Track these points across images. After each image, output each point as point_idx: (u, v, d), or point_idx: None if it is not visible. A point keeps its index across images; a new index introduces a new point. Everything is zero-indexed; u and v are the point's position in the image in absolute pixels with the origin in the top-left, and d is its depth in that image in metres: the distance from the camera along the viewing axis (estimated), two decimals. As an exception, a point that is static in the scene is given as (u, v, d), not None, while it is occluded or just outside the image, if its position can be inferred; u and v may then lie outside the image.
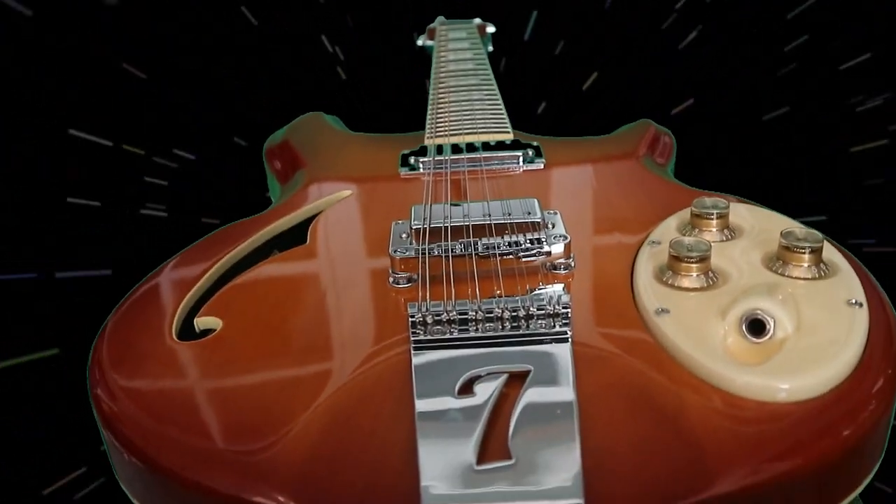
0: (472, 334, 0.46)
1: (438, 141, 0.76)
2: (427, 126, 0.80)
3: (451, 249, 0.55)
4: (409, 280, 0.54)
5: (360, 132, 0.89)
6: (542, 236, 0.55)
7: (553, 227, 0.58)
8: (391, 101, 1.19)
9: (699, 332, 0.47)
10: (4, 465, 0.70)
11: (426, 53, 1.07)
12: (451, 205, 0.61)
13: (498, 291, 0.51)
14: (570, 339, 0.46)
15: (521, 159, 0.74)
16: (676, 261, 0.51)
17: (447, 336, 0.46)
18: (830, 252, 0.53)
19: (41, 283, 0.90)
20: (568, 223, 0.58)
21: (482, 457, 0.39)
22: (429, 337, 0.46)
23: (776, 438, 0.41)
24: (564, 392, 0.42)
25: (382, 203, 0.69)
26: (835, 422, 0.42)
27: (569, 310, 0.46)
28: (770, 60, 1.12)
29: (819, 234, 0.52)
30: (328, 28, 1.22)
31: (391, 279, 0.55)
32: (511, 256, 0.55)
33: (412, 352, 0.46)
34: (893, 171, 0.98)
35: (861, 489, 0.44)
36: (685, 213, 0.58)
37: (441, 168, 0.72)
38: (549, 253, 0.55)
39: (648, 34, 1.18)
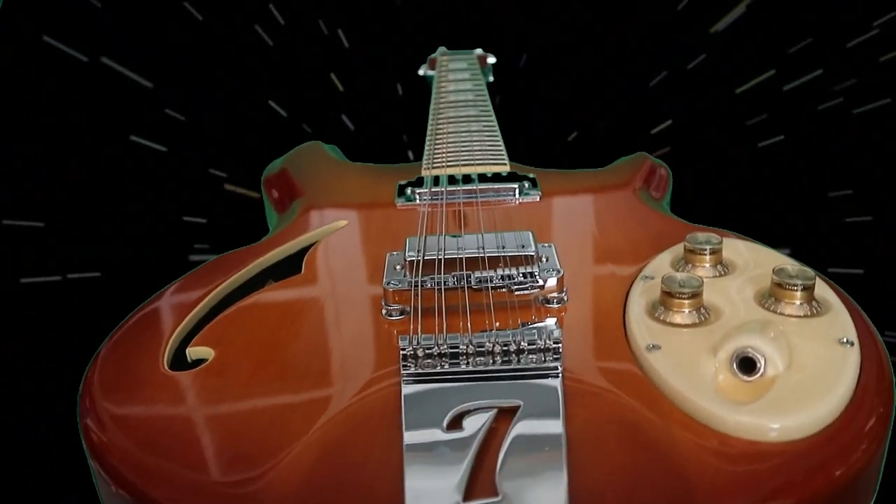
0: (463, 368, 0.46)
1: (435, 172, 0.76)
2: (425, 156, 0.80)
3: (444, 282, 0.55)
4: (402, 312, 0.54)
5: (358, 162, 0.90)
6: (536, 270, 0.55)
7: (547, 260, 0.58)
8: (390, 130, 1.20)
9: (690, 368, 0.46)
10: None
11: (427, 83, 1.08)
12: (445, 237, 0.61)
13: (491, 325, 0.51)
14: (560, 375, 0.46)
15: (517, 191, 0.74)
16: (668, 296, 0.51)
17: (438, 370, 0.46)
18: (823, 289, 0.53)
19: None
20: (562, 256, 0.58)
21: (469, 493, 0.38)
22: (419, 370, 0.46)
23: (767, 478, 0.41)
24: (553, 428, 0.42)
25: (378, 234, 0.69)
26: (826, 461, 0.42)
27: (560, 345, 0.46)
28: (772, 93, 1.12)
29: (811, 272, 0.52)
30: (329, 56, 1.23)
31: (384, 311, 0.55)
32: (504, 290, 0.55)
33: (402, 384, 0.46)
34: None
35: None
36: (679, 248, 0.58)
37: (437, 199, 0.72)
38: (542, 286, 0.55)
39: (650, 65, 1.19)
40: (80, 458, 0.48)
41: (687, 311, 0.50)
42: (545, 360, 0.46)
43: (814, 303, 0.51)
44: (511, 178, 0.75)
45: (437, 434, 0.42)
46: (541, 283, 0.55)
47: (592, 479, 0.40)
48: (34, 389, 0.79)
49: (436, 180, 0.75)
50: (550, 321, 0.52)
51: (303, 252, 0.66)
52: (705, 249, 0.56)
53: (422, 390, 0.45)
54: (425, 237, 0.60)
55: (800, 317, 0.50)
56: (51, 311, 0.89)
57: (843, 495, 0.42)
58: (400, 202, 0.74)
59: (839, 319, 0.50)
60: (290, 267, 0.64)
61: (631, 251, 0.62)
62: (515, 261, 0.57)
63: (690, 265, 0.56)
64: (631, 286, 0.56)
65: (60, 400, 0.57)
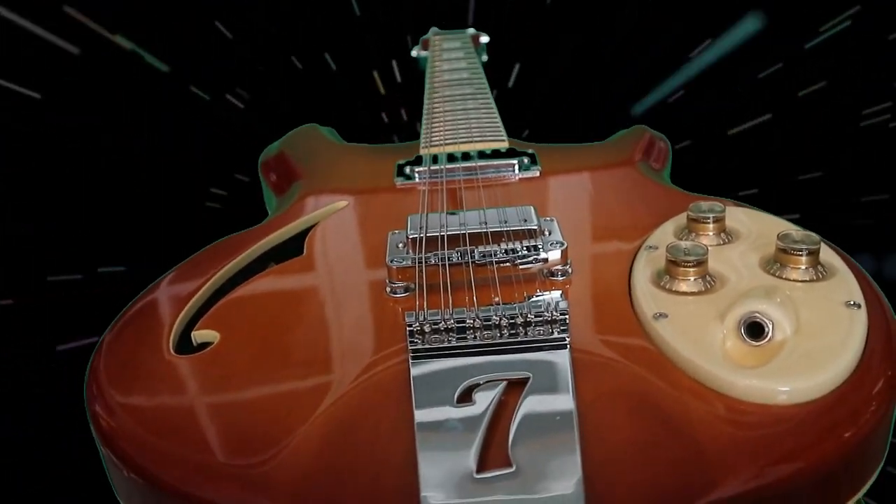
0: (471, 342, 0.46)
1: (434, 150, 0.76)
2: (422, 136, 0.80)
3: (448, 258, 0.55)
4: (407, 289, 0.54)
5: (355, 143, 0.89)
6: (539, 243, 0.55)
7: (550, 233, 0.58)
8: (386, 111, 1.20)
9: (698, 336, 0.46)
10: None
11: (422, 65, 1.07)
12: (447, 214, 0.61)
13: (496, 299, 0.51)
14: (568, 346, 0.46)
15: (516, 167, 0.74)
16: (674, 265, 0.51)
17: (445, 345, 0.46)
18: (827, 254, 0.53)
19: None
20: (564, 230, 0.58)
21: (482, 465, 0.38)
22: (427, 346, 0.46)
23: (778, 441, 0.41)
24: (564, 399, 0.42)
25: (378, 213, 0.69)
26: (837, 423, 0.42)
27: (566, 316, 0.46)
28: (765, 59, 1.12)
29: (816, 236, 0.52)
30: (323, 39, 1.22)
31: (388, 289, 0.55)
32: (508, 264, 0.55)
33: (410, 361, 0.45)
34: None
35: (865, 490, 0.44)
36: (682, 218, 0.58)
37: (437, 177, 0.72)
38: (546, 260, 0.55)
39: (646, 39, 1.19)
40: (91, 445, 0.48)
41: (693, 278, 0.50)
42: (552, 332, 0.46)
43: (819, 267, 0.51)
44: (510, 154, 0.75)
45: (447, 408, 0.42)
46: (544, 255, 0.55)
47: (605, 447, 0.40)
48: (40, 379, 0.79)
49: (434, 159, 0.74)
50: (556, 293, 0.52)
51: (304, 234, 0.66)
52: (709, 218, 0.56)
53: (430, 365, 0.45)
54: (427, 214, 0.60)
55: (805, 281, 0.50)
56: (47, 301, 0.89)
57: (853, 457, 0.42)
58: (399, 181, 0.73)
59: (845, 283, 0.50)
60: (291, 249, 0.64)
61: (633, 222, 0.62)
62: (518, 235, 0.57)
63: (694, 234, 0.56)
64: (635, 256, 0.56)
65: (67, 387, 0.57)
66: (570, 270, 0.55)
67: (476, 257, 0.54)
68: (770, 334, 0.46)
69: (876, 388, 0.44)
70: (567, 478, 0.37)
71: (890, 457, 0.46)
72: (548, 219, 0.60)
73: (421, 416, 0.41)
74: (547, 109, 1.19)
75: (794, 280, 0.50)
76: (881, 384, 0.44)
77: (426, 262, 0.55)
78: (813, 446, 0.41)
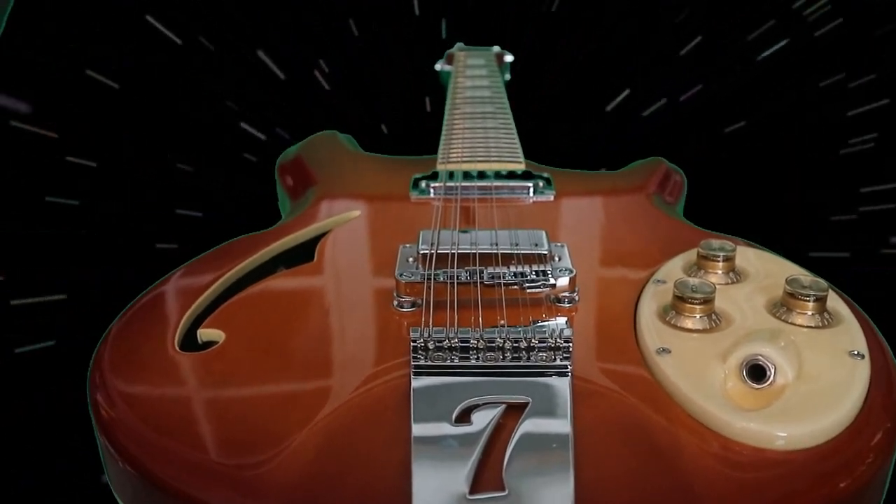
0: (473, 362, 0.46)
1: (451, 167, 0.76)
2: (440, 151, 0.80)
3: (457, 276, 0.55)
4: (413, 304, 0.55)
5: (373, 153, 0.90)
6: (548, 268, 0.55)
7: (559, 259, 0.58)
8: (407, 123, 1.20)
9: (699, 373, 0.46)
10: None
11: (443, 78, 1.08)
12: (459, 232, 0.61)
13: (501, 321, 0.51)
14: (569, 373, 0.46)
15: (531, 190, 0.74)
16: (680, 301, 0.51)
17: (448, 363, 0.46)
18: (834, 301, 0.53)
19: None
20: (574, 256, 0.59)
21: (475, 486, 0.39)
22: (429, 363, 0.46)
23: (771, 486, 0.41)
24: (561, 425, 0.42)
25: (391, 226, 0.69)
26: (831, 472, 0.42)
27: (570, 344, 0.46)
28: (798, 104, 1.12)
29: (824, 283, 0.52)
30: (350, 49, 1.23)
31: (395, 302, 0.55)
32: (516, 287, 0.55)
33: (412, 376, 0.46)
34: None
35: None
36: (692, 254, 0.58)
37: (452, 194, 0.72)
38: (554, 286, 0.55)
39: (674, 67, 1.19)
40: (90, 434, 0.48)
41: (698, 316, 0.50)
42: (555, 359, 0.46)
43: (825, 314, 0.51)
44: (526, 176, 0.75)
45: (444, 426, 0.42)
46: (553, 281, 0.55)
47: (598, 478, 0.40)
48: (45, 367, 0.80)
49: (451, 175, 0.75)
50: (561, 320, 0.52)
51: (315, 240, 0.66)
52: (719, 256, 0.56)
53: (431, 383, 0.45)
54: (439, 231, 0.61)
55: (811, 327, 0.50)
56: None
57: (846, 507, 0.42)
58: (414, 195, 0.74)
59: (850, 332, 0.50)
60: (301, 254, 0.65)
61: (643, 255, 0.62)
62: (528, 258, 0.57)
63: (703, 271, 0.57)
64: (642, 289, 0.56)
65: (71, 376, 0.57)
66: (577, 298, 0.56)
67: (485, 278, 0.55)
68: (772, 378, 0.46)
69: (874, 439, 0.44)
70: (559, 505, 0.37)
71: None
72: (558, 244, 0.60)
73: (418, 432, 0.42)
74: (562, 129, 1.20)
75: (799, 325, 0.50)
76: (879, 436, 0.44)
77: (435, 278, 0.55)
78: (806, 494, 0.41)
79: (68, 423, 0.68)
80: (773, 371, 0.46)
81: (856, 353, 0.48)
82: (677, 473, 0.41)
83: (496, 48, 1.13)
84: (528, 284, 0.55)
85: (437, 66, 1.11)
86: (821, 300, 0.51)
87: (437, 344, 0.47)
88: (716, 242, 0.57)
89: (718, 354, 0.48)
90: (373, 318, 0.55)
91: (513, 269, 0.55)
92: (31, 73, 1.06)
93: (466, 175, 0.75)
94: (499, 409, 0.43)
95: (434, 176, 0.75)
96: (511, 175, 0.76)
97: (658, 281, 0.56)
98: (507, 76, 1.09)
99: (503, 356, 0.46)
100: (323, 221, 0.69)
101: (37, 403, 0.75)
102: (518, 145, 0.81)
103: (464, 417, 0.43)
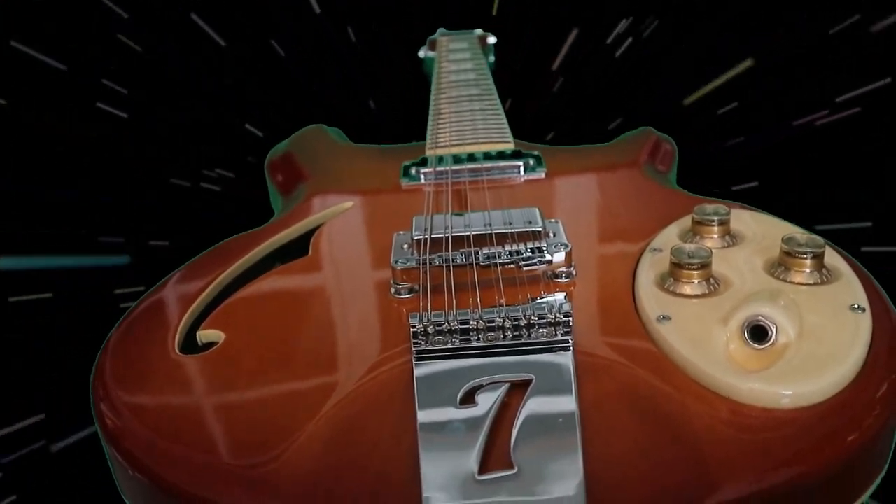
0: (474, 344, 0.46)
1: (440, 151, 0.76)
2: (428, 137, 0.80)
3: (453, 259, 0.55)
4: (411, 290, 0.54)
5: (361, 144, 0.90)
6: (544, 245, 0.55)
7: (554, 235, 0.58)
8: (393, 112, 1.20)
9: (701, 338, 0.46)
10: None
11: (427, 65, 1.07)
12: (452, 215, 0.61)
13: (500, 301, 0.51)
14: (571, 348, 0.46)
15: (521, 168, 0.74)
16: (677, 268, 0.51)
17: (448, 346, 0.46)
18: (832, 257, 0.52)
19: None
20: (569, 232, 0.58)
21: (484, 467, 0.39)
22: (430, 347, 0.46)
23: (781, 445, 0.41)
24: (566, 401, 0.42)
25: (384, 214, 0.69)
26: (839, 427, 0.42)
27: (570, 318, 0.46)
28: (775, 61, 1.11)
29: (821, 240, 0.52)
30: (329, 40, 1.22)
31: (392, 290, 0.55)
32: (512, 266, 0.55)
33: (414, 362, 0.46)
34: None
35: (868, 494, 0.44)
36: (686, 221, 0.58)
37: (442, 178, 0.72)
38: (550, 262, 0.55)
39: (652, 38, 1.18)
40: (97, 444, 0.48)
41: (696, 281, 0.50)
42: (556, 334, 0.46)
43: (824, 270, 0.51)
44: (515, 155, 0.75)
45: (450, 409, 0.42)
46: (549, 257, 0.55)
47: (607, 449, 0.40)
48: (46, 377, 0.80)
49: (440, 160, 0.75)
50: (560, 295, 0.52)
51: (309, 234, 0.66)
52: (713, 220, 0.56)
53: (433, 366, 0.45)
54: (432, 216, 0.60)
55: (810, 284, 0.50)
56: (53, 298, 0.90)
57: (856, 461, 0.42)
58: (405, 182, 0.73)
59: (850, 286, 0.50)
60: (296, 249, 0.64)
61: (638, 225, 0.62)
62: (523, 237, 0.57)
63: (699, 237, 0.56)
64: (639, 259, 0.56)
65: (74, 384, 0.57)
66: (574, 273, 0.56)
67: (480, 259, 0.55)
68: (773, 338, 0.46)
69: (880, 391, 0.44)
70: (569, 480, 0.37)
71: (894, 460, 0.46)
72: (552, 221, 0.60)
73: (423, 417, 0.41)
74: (553, 109, 1.19)
75: (798, 283, 0.50)
76: (885, 388, 0.44)
77: (430, 263, 0.55)
78: (816, 450, 0.41)
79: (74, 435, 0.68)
80: (774, 331, 0.46)
81: (857, 306, 0.48)
82: (685, 440, 0.41)
83: (478, 31, 1.13)
84: (524, 262, 0.55)
85: (421, 54, 1.11)
86: (818, 257, 0.51)
87: (437, 328, 0.47)
88: (709, 207, 0.57)
89: (719, 318, 0.47)
90: (371, 308, 0.54)
91: (508, 248, 0.55)
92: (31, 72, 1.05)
93: (456, 159, 0.75)
94: (503, 388, 0.43)
95: (423, 162, 0.75)
96: (501, 155, 0.75)
97: (654, 249, 0.56)
98: (492, 58, 1.09)
99: (504, 335, 0.46)
100: (316, 215, 0.69)
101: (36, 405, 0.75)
102: (506, 125, 0.80)
103: (468, 399, 0.43)
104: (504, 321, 0.46)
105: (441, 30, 1.15)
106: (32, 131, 1.03)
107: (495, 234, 0.57)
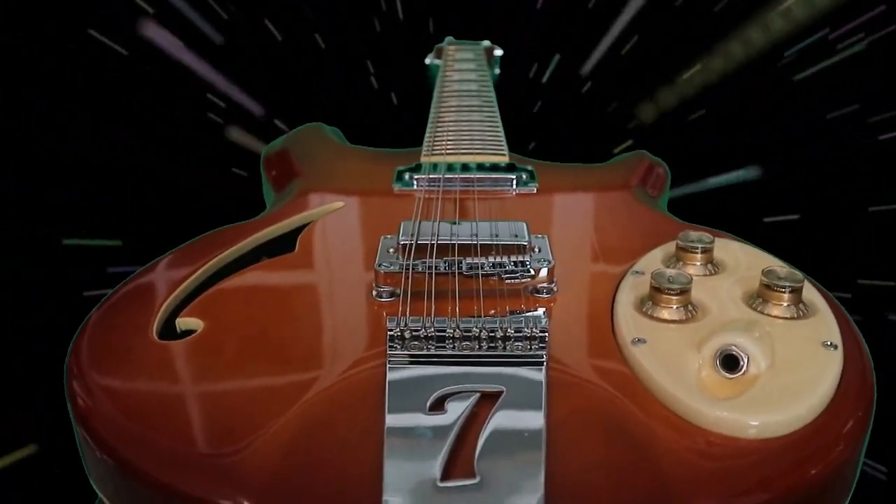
0: (449, 352, 0.47)
1: (435, 159, 0.76)
2: (425, 143, 0.80)
3: (436, 267, 0.55)
4: (392, 294, 0.55)
5: (358, 145, 0.90)
6: (527, 259, 0.56)
7: (539, 250, 0.58)
8: (393, 115, 1.20)
9: (674, 363, 0.47)
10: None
11: (432, 72, 1.08)
12: (439, 223, 0.61)
13: (479, 311, 0.51)
14: (545, 363, 0.46)
15: (514, 182, 0.74)
16: (657, 292, 0.51)
17: (423, 352, 0.47)
18: (810, 292, 0.53)
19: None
20: (555, 248, 0.59)
21: (447, 474, 0.39)
22: (405, 352, 0.47)
23: (743, 474, 0.41)
24: (534, 415, 0.42)
25: (373, 217, 0.69)
26: (803, 460, 0.42)
27: (546, 334, 0.47)
28: (781, 95, 1.12)
29: (800, 275, 0.52)
30: (338, 41, 1.23)
31: (374, 292, 0.55)
32: (494, 277, 0.55)
33: (388, 366, 0.46)
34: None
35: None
36: (671, 246, 0.59)
37: (434, 186, 0.72)
38: (532, 276, 0.56)
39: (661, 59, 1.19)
40: (67, 424, 0.48)
41: (674, 306, 0.51)
42: (531, 349, 0.47)
43: (801, 305, 0.51)
44: (509, 168, 0.76)
45: (418, 415, 0.42)
46: (531, 272, 0.55)
47: (570, 467, 0.40)
48: (23, 353, 0.80)
49: (434, 167, 0.75)
50: (538, 310, 0.52)
51: (297, 231, 0.66)
52: (697, 248, 0.56)
53: (406, 370, 0.45)
54: (420, 222, 0.61)
55: (786, 318, 0.50)
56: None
57: (817, 494, 0.42)
58: (397, 187, 0.74)
59: (825, 323, 0.50)
60: (283, 245, 0.65)
61: (623, 247, 0.63)
62: (508, 249, 0.57)
63: (681, 262, 0.57)
64: (621, 280, 0.56)
65: (49, 365, 0.57)
66: (555, 289, 0.56)
67: (463, 268, 0.55)
68: (745, 368, 0.46)
69: (845, 428, 0.44)
70: (529, 494, 0.38)
71: (854, 497, 0.47)
72: (539, 236, 0.60)
73: (392, 420, 0.42)
74: (551, 124, 1.20)
75: (774, 316, 0.51)
76: (850, 425, 0.45)
77: (414, 269, 0.55)
78: (778, 481, 0.41)
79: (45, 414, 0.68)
80: (746, 361, 0.46)
81: (829, 343, 0.48)
82: (650, 462, 0.41)
83: (486, 42, 1.14)
84: (506, 275, 0.55)
85: (427, 60, 1.12)
86: (796, 291, 0.51)
87: (414, 333, 0.47)
88: (694, 234, 0.57)
89: (693, 344, 0.48)
90: (351, 308, 0.55)
91: (492, 259, 0.55)
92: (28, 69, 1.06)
93: (450, 167, 0.75)
94: (473, 397, 0.43)
95: (417, 168, 0.76)
96: (494, 167, 0.76)
97: (636, 272, 0.56)
98: (497, 70, 1.09)
99: (479, 345, 0.47)
100: (306, 212, 0.69)
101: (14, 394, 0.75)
102: (503, 138, 0.81)
103: (438, 406, 0.43)
104: (480, 332, 0.47)
105: (449, 38, 1.15)
106: (32, 132, 1.04)
107: (481, 244, 0.58)
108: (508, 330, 0.47)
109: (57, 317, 0.86)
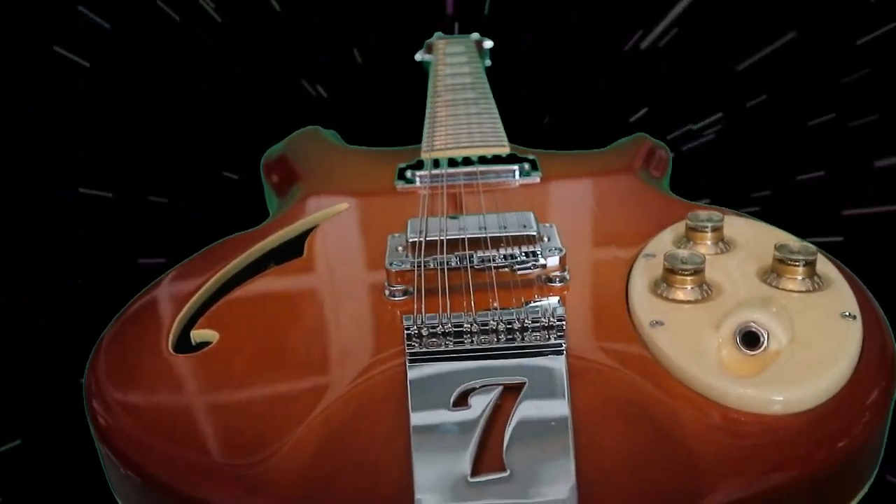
0: (467, 346, 0.46)
1: (435, 154, 0.76)
2: (424, 140, 0.80)
3: (447, 262, 0.55)
4: (405, 293, 0.55)
5: (357, 146, 0.90)
6: (538, 249, 0.56)
7: (548, 239, 0.58)
8: (390, 114, 1.20)
9: (693, 344, 0.47)
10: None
11: (424, 69, 1.08)
12: (447, 218, 0.61)
13: (494, 304, 0.51)
14: (564, 352, 0.46)
15: (517, 173, 0.74)
16: (671, 273, 0.51)
17: (442, 348, 0.46)
18: (824, 265, 0.53)
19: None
20: (563, 236, 0.59)
21: (476, 469, 0.39)
22: (424, 349, 0.46)
23: (771, 451, 0.41)
24: (559, 404, 0.42)
25: (379, 216, 0.69)
26: (830, 433, 0.42)
27: (563, 322, 0.46)
28: (770, 68, 1.12)
29: (813, 247, 0.52)
30: (327, 43, 1.22)
31: (387, 292, 0.55)
32: (506, 269, 0.55)
33: (407, 364, 0.46)
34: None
35: (858, 499, 0.44)
36: (680, 226, 0.58)
37: (438, 181, 0.72)
38: (544, 265, 0.55)
39: (647, 47, 1.19)
40: (89, 442, 0.48)
41: (689, 287, 0.51)
42: (549, 338, 0.46)
43: (816, 278, 0.51)
44: (511, 159, 0.75)
45: (443, 412, 0.42)
46: (543, 261, 0.55)
47: (599, 454, 0.40)
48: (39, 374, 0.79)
49: (436, 163, 0.75)
50: (553, 299, 0.52)
51: (304, 235, 0.66)
52: (707, 227, 0.56)
53: (427, 368, 0.45)
54: (427, 218, 0.61)
55: (802, 292, 0.50)
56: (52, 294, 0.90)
57: (846, 466, 0.42)
58: (400, 185, 0.74)
59: (841, 294, 0.50)
60: (291, 250, 0.64)
61: (632, 230, 0.62)
62: (517, 240, 0.57)
63: (692, 243, 0.57)
64: (633, 264, 0.56)
65: (67, 383, 0.57)
66: (567, 277, 0.56)
67: (475, 262, 0.55)
68: (765, 344, 0.46)
69: (870, 398, 0.44)
70: (561, 483, 0.38)
71: (884, 466, 0.47)
72: (547, 225, 0.60)
73: (417, 419, 0.42)
74: (549, 114, 1.20)
75: (790, 290, 0.51)
76: (875, 395, 0.45)
77: (425, 266, 0.55)
78: (805, 456, 0.41)
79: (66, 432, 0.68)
80: (766, 337, 0.46)
81: (847, 314, 0.48)
82: (676, 444, 0.41)
83: (475, 35, 1.13)
84: (518, 266, 0.55)
85: (418, 57, 1.11)
86: (810, 264, 0.51)
87: (431, 330, 0.47)
88: (703, 213, 0.57)
89: (711, 324, 0.48)
90: (365, 310, 0.55)
91: (502, 251, 0.55)
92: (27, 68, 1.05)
93: (451, 162, 0.75)
94: (496, 391, 0.43)
95: (419, 165, 0.75)
96: (496, 159, 0.75)
97: (648, 255, 0.56)
98: (488, 62, 1.09)
99: (497, 338, 0.47)
100: (310, 216, 0.69)
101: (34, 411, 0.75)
102: (501, 129, 0.81)
103: (461, 402, 0.43)
104: (498, 324, 0.46)
105: (438, 33, 1.15)
106: (32, 131, 1.03)
107: (490, 237, 0.58)
108: (526, 321, 0.46)
109: (57, 317, 0.86)
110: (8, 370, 0.80)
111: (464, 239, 0.58)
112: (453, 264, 0.55)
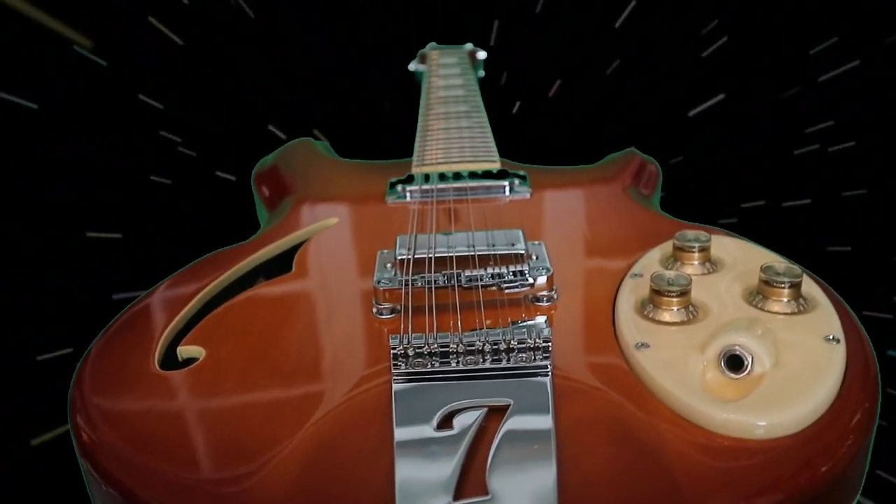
0: (453, 367, 0.46)
1: (426, 169, 0.76)
2: (415, 154, 0.80)
3: (435, 281, 0.55)
4: (393, 311, 0.55)
5: (349, 158, 0.90)
6: (526, 268, 0.56)
7: (537, 258, 0.58)
8: (382, 126, 1.20)
9: (678, 366, 0.47)
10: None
11: (417, 79, 1.08)
12: (435, 235, 0.61)
13: (481, 324, 0.51)
14: (550, 373, 0.46)
15: (507, 188, 0.74)
16: (657, 294, 0.51)
17: (428, 368, 0.46)
18: (810, 286, 0.53)
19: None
20: (552, 254, 0.59)
21: (459, 492, 0.39)
22: (409, 369, 0.46)
23: (754, 475, 0.41)
24: (543, 426, 0.42)
25: (368, 231, 0.69)
26: (813, 458, 0.42)
27: (549, 343, 0.47)
28: (767, 85, 1.13)
29: (798, 269, 0.52)
30: (319, 53, 1.22)
31: (374, 309, 0.55)
32: (494, 288, 0.55)
33: (393, 384, 0.46)
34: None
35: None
36: (668, 246, 0.59)
37: (428, 197, 0.72)
38: (532, 285, 0.56)
39: (641, 57, 1.19)
40: (71, 457, 0.48)
41: (675, 308, 0.51)
42: (535, 359, 0.46)
43: (801, 300, 0.51)
44: (501, 175, 0.75)
45: (427, 432, 0.42)
46: (531, 281, 0.55)
47: (581, 477, 0.40)
48: (24, 385, 0.79)
49: (426, 178, 0.75)
50: (540, 319, 0.52)
51: (293, 250, 0.66)
52: (694, 247, 0.56)
53: (412, 389, 0.45)
54: (416, 235, 0.61)
55: (787, 314, 0.51)
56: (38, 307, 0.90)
57: (829, 491, 0.42)
58: (391, 199, 0.74)
59: (826, 316, 0.50)
60: (280, 265, 0.64)
61: (620, 248, 0.63)
62: (505, 259, 0.57)
63: (679, 262, 0.57)
64: (620, 284, 0.56)
65: (50, 398, 0.57)
66: (555, 296, 0.56)
67: (462, 281, 0.55)
68: (749, 367, 0.46)
69: (852, 422, 0.45)
70: (543, 507, 0.38)
71: (865, 489, 0.47)
72: (535, 243, 0.60)
73: (401, 440, 0.42)
74: (541, 127, 1.20)
75: (775, 312, 0.51)
76: (858, 418, 0.45)
77: (413, 283, 0.55)
78: (789, 480, 0.41)
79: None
80: (750, 360, 0.46)
81: (831, 337, 0.48)
82: (660, 469, 0.41)
83: (469, 45, 1.13)
84: (505, 285, 0.55)
85: (411, 67, 1.11)
86: (795, 286, 0.51)
87: (417, 350, 0.47)
88: (690, 233, 0.57)
89: (696, 346, 0.48)
90: (352, 327, 0.54)
91: (490, 270, 0.55)
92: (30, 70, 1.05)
93: (442, 177, 0.75)
94: (480, 412, 0.43)
95: (410, 179, 0.75)
96: (487, 174, 0.76)
97: (635, 275, 0.56)
98: (481, 73, 1.09)
99: (483, 359, 0.47)
100: (300, 231, 0.69)
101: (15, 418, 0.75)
102: (493, 144, 0.81)
103: (446, 423, 0.43)
104: (484, 345, 0.47)
105: (431, 44, 1.15)
106: (32, 131, 1.03)
107: (478, 255, 0.58)
108: (512, 341, 0.47)
109: (57, 317, 0.85)
110: (8, 370, 0.80)
111: (452, 257, 0.58)
112: (441, 283, 0.55)
